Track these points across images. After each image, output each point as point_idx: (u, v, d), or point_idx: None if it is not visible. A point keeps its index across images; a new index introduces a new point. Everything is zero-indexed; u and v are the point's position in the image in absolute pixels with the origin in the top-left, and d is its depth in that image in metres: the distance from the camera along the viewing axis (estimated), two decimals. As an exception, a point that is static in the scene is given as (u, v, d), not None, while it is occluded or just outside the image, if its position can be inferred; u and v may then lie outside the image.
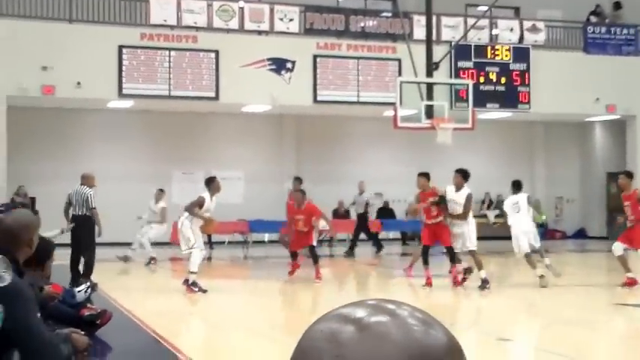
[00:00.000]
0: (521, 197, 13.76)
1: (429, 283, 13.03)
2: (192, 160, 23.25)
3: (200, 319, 11.32)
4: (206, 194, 12.43)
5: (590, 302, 12.16)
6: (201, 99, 20.28)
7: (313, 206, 14.14)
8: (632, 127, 24.15)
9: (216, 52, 20.10)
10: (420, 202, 13.50)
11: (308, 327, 0.92)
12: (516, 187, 14.00)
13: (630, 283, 12.85)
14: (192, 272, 12.25)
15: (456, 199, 12.98)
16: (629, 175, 13.76)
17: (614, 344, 9.41)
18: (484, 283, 12.66)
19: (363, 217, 21.00)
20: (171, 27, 20.10)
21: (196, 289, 12.14)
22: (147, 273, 16.52)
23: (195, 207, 12.30)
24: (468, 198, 13.03)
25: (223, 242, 21.33)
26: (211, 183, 12.55)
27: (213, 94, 20.17)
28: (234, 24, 20.43)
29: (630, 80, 23.28)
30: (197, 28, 20.30)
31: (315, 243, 14.17)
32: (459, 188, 13.11)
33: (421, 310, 0.92)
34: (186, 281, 12.32)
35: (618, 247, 13.26)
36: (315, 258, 13.88)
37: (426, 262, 13.18)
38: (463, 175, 13.37)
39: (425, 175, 13.76)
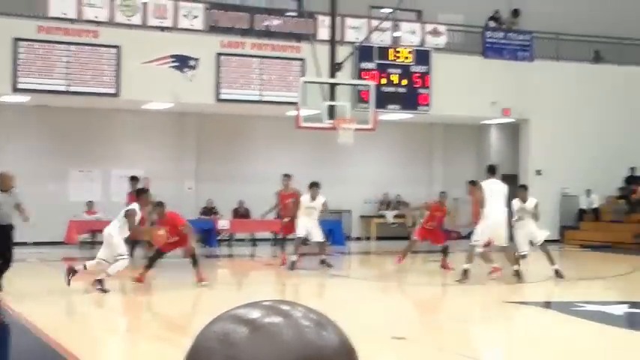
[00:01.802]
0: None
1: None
2: (90, 158, 22.74)
3: (97, 322, 11.11)
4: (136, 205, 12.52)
5: (484, 300, 12.53)
6: (101, 95, 19.87)
7: (174, 216, 13.52)
8: (526, 131, 25.00)
9: (118, 47, 19.73)
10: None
11: (202, 328, 0.93)
12: (493, 171, 14.67)
13: (494, 270, 14.29)
14: (108, 274, 12.11)
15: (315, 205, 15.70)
16: (474, 183, 15.02)
17: (503, 340, 9.75)
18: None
19: None
20: (71, 20, 19.62)
21: (99, 287, 11.96)
22: (38, 274, 16.04)
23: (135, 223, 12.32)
24: (324, 204, 15.90)
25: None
26: (142, 194, 12.78)
27: (113, 91, 19.79)
28: (136, 19, 20.10)
29: (525, 85, 24.11)
30: (98, 23, 19.87)
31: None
32: (314, 197, 15.81)
33: (316, 311, 0.93)
34: (98, 281, 12.06)
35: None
36: (195, 262, 13.42)
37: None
38: (317, 185, 16.02)
39: (288, 177, 16.92)
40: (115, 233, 12.38)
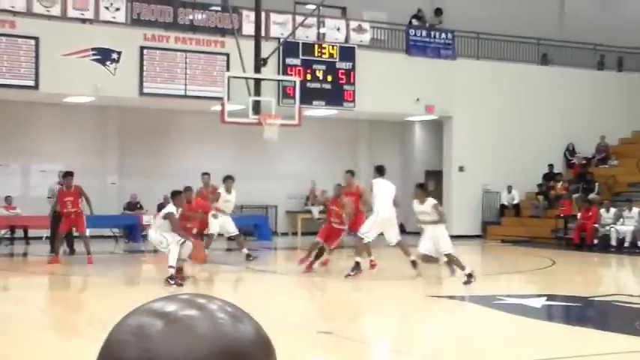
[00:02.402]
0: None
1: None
2: (8, 152, 22.12)
3: (18, 320, 10.80)
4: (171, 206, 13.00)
5: (407, 295, 12.66)
6: (19, 87, 19.32)
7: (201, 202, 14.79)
8: (449, 128, 25.40)
9: (36, 39, 19.22)
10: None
11: (117, 322, 0.91)
12: (381, 172, 14.62)
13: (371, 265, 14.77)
14: (172, 266, 12.54)
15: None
16: (351, 173, 15.28)
17: (427, 333, 9.87)
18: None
19: None
20: (-14, 10, 19.02)
21: (172, 283, 12.36)
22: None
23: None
24: None
25: (41, 237, 20.46)
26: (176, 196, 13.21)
27: (32, 83, 19.28)
28: (56, 10, 19.60)
29: (448, 83, 24.48)
30: (15, 13, 19.30)
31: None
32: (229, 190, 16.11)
33: (232, 304, 0.93)
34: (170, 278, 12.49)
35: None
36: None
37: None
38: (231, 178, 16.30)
39: (208, 175, 16.83)
40: (154, 233, 12.99)
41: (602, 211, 21.62)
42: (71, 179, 16.18)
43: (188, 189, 14.28)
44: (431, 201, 13.84)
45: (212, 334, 0.88)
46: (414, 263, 14.10)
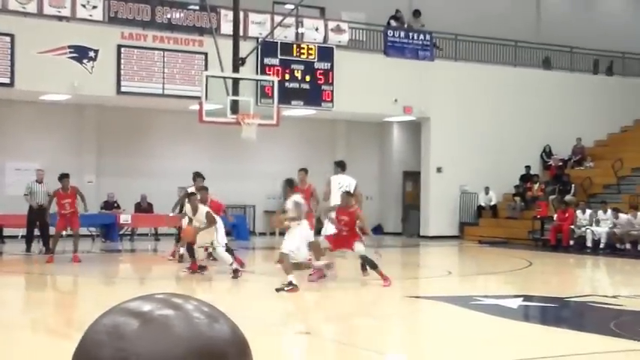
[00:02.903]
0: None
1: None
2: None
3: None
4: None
5: (384, 295, 12.67)
6: (-6, 85, 19.14)
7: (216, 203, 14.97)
8: (427, 129, 25.47)
9: (12, 36, 19.05)
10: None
11: (92, 321, 0.91)
12: (343, 167, 14.56)
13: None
14: (230, 265, 13.40)
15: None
16: (306, 171, 14.83)
17: (405, 333, 9.89)
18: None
19: None
20: (-40, 7, 18.83)
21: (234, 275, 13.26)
22: None
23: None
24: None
25: (17, 236, 20.28)
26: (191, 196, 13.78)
27: (7, 81, 19.10)
28: (32, 7, 19.43)
29: (425, 84, 24.55)
30: (-10, 10, 19.13)
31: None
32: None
33: (208, 304, 0.92)
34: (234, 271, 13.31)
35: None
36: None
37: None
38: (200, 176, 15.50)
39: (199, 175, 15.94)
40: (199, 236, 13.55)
41: (578, 212, 21.78)
42: (67, 181, 16.38)
43: (204, 188, 14.67)
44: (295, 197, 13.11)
45: (188, 333, 0.87)
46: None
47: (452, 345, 8.62)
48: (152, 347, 0.86)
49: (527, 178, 25.88)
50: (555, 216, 22.18)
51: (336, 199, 13.81)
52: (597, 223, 21.31)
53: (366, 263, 13.10)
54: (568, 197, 23.57)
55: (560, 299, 12.11)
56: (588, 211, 21.69)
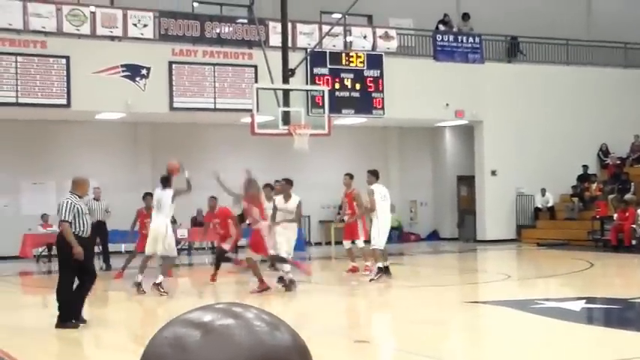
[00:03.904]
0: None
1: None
2: (43, 170, 22.37)
3: (55, 334, 10.88)
4: None
5: (443, 301, 12.57)
6: (51, 106, 19.56)
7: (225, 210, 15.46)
8: (479, 132, 25.23)
9: (67, 57, 19.45)
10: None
11: (154, 334, 0.91)
12: (377, 176, 15.07)
13: (353, 270, 15.57)
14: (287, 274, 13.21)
15: (288, 207, 13.96)
16: (351, 176, 15.92)
17: (465, 340, 9.78)
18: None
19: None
20: (17, 31, 19.28)
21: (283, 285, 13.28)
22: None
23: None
24: (299, 205, 14.14)
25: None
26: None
27: (64, 102, 19.51)
28: (85, 29, 19.83)
29: (476, 87, 24.34)
30: (46, 33, 19.57)
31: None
32: (287, 197, 14.12)
33: (268, 312, 0.92)
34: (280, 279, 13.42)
35: (346, 243, 15.78)
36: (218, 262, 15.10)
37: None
38: (290, 182, 14.57)
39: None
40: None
41: (639, 211, 21.31)
42: (151, 200, 16.31)
43: (213, 197, 15.33)
44: (296, 199, 14.12)
45: (249, 342, 0.88)
46: (386, 269, 14.50)
47: (514, 350, 8.50)
48: (215, 357, 0.86)
49: (584, 178, 25.43)
50: (615, 216, 21.74)
51: (379, 209, 14.51)
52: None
53: (254, 272, 13.33)
54: (628, 196, 23.07)
55: (624, 300, 11.85)
56: (650, 210, 21.20)
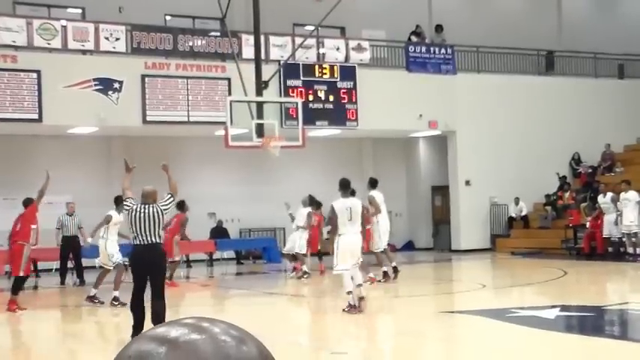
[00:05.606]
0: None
1: None
2: (13, 186, 22.10)
3: (41, 347, 10.76)
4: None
5: (419, 311, 12.57)
6: (22, 121, 19.37)
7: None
8: (453, 142, 25.35)
9: (38, 72, 19.29)
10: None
11: (119, 351, 0.90)
12: (375, 184, 16.35)
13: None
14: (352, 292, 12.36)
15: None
16: None
17: (443, 350, 9.79)
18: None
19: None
20: (-13, 46, 19.11)
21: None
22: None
23: None
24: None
25: (51, 269, 20.44)
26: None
27: (36, 116, 19.33)
28: (56, 43, 19.69)
29: (450, 98, 24.48)
30: (16, 47, 19.40)
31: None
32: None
33: (236, 326, 0.92)
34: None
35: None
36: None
37: None
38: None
39: None
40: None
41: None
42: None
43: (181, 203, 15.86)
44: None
45: (215, 357, 0.87)
46: (395, 269, 15.55)
47: (491, 359, 8.51)
48: None
49: (560, 186, 25.61)
50: (588, 223, 21.92)
51: (380, 215, 15.59)
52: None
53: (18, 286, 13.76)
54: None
55: (597, 308, 11.93)
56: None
